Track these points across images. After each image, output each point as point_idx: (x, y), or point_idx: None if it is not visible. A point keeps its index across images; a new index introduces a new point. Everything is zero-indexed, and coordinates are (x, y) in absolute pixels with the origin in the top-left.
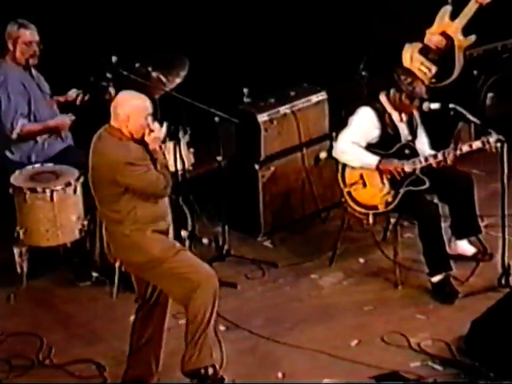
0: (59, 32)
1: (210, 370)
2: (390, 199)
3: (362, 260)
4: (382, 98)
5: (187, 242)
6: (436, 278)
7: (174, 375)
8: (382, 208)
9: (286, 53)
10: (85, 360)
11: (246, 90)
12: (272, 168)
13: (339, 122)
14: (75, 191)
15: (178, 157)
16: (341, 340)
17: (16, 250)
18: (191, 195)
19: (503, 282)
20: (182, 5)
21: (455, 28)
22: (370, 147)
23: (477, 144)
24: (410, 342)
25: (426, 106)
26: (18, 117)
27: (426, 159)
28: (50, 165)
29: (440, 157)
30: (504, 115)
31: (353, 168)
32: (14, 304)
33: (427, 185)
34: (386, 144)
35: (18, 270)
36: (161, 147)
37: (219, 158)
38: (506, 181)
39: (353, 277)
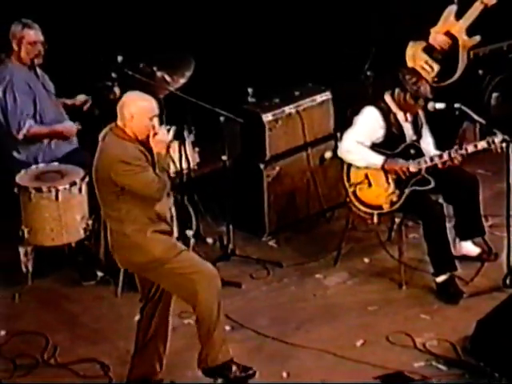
0: (64, 32)
1: (234, 367)
2: (394, 199)
3: (366, 260)
4: (387, 97)
5: (192, 242)
6: (441, 278)
7: (182, 374)
8: (386, 208)
9: (291, 52)
10: (89, 359)
11: (250, 90)
12: (277, 168)
13: (344, 122)
14: (80, 191)
15: (183, 156)
16: (346, 340)
17: (21, 250)
18: (196, 195)
19: (508, 282)
20: (186, 5)
21: (460, 28)
22: (374, 147)
23: (482, 144)
24: (415, 342)
25: (431, 105)
26: (24, 118)
27: (432, 159)
28: (56, 164)
29: (445, 157)
30: (509, 115)
31: (358, 168)
32: (19, 303)
33: (432, 185)
34: (391, 144)
35: (23, 269)
36: (168, 151)
37: (224, 158)
38: (511, 181)
39: (357, 277)
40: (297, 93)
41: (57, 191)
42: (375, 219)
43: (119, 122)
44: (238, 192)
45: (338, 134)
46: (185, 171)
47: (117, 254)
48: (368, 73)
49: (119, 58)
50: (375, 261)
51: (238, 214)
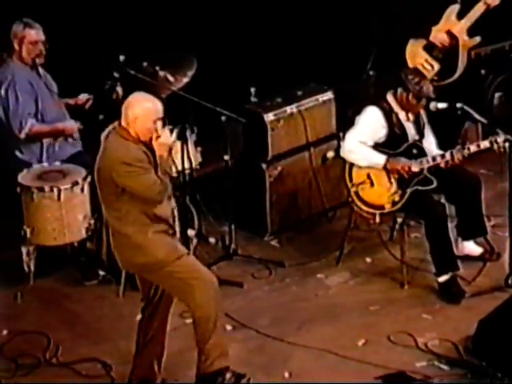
0: (66, 31)
1: (228, 375)
2: (397, 199)
3: (368, 259)
4: (389, 97)
5: (194, 241)
6: (443, 278)
7: (184, 374)
8: (388, 207)
9: (293, 52)
10: (91, 359)
11: (253, 90)
12: (279, 167)
13: (346, 122)
14: (82, 190)
15: (186, 156)
16: (347, 339)
17: (23, 249)
18: (198, 194)
19: (510, 281)
20: (189, 4)
21: (461, 28)
22: (377, 147)
23: (484, 144)
24: (416, 342)
25: (433, 105)
26: (26, 116)
27: (434, 159)
28: (58, 164)
29: (448, 156)
30: None
31: (360, 167)
32: (21, 303)
33: (434, 184)
34: (393, 143)
35: (26, 268)
36: (170, 154)
37: (226, 158)
38: None
39: (359, 276)
40: (299, 92)
41: (59, 191)
42: (377, 219)
43: (123, 122)
44: (240, 192)
45: (341, 134)
46: (187, 171)
47: (118, 255)
48: (370, 72)
49: (121, 58)
50: (377, 260)
51: (240, 214)
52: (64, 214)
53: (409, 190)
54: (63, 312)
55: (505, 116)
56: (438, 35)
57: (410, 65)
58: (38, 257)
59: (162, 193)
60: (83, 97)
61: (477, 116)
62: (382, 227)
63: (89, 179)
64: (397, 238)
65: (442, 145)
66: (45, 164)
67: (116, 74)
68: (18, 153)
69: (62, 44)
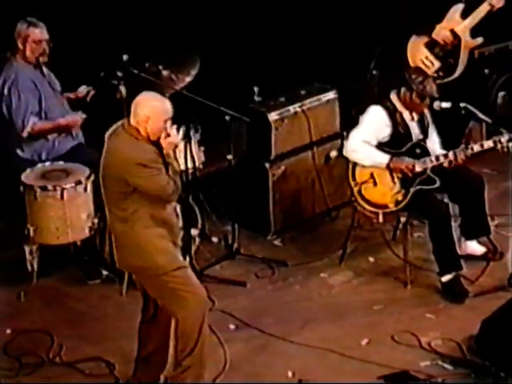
0: (70, 30)
1: None
2: (400, 198)
3: (371, 259)
4: (393, 96)
5: (197, 241)
6: (446, 278)
7: None
8: (392, 207)
9: (297, 51)
10: (95, 358)
11: (256, 89)
12: (282, 167)
13: (350, 121)
14: (85, 189)
15: (189, 155)
16: (351, 339)
17: (26, 248)
18: (201, 193)
19: None
20: (192, 4)
21: (464, 27)
22: (380, 146)
23: (488, 143)
24: (420, 342)
25: (437, 104)
26: (28, 115)
27: (437, 158)
28: (61, 163)
29: (451, 156)
30: None
31: (363, 167)
32: (24, 302)
33: (438, 184)
34: (397, 143)
35: (29, 267)
36: (174, 152)
37: (230, 157)
38: None
39: (363, 276)
40: (303, 92)
41: (62, 190)
42: (380, 218)
43: (133, 122)
44: (243, 191)
45: (344, 133)
46: (190, 170)
47: (117, 253)
48: (374, 72)
49: (125, 57)
50: (380, 260)
51: (244, 213)
52: (67, 212)
53: (412, 190)
54: (66, 311)
55: (508, 115)
56: (441, 32)
57: (411, 62)
58: (41, 256)
59: (175, 193)
60: (83, 89)
61: (480, 115)
62: (386, 226)
63: (92, 178)
64: (400, 237)
65: (445, 144)
66: (48, 163)
67: (119, 74)
68: (19, 151)
69: (65, 43)
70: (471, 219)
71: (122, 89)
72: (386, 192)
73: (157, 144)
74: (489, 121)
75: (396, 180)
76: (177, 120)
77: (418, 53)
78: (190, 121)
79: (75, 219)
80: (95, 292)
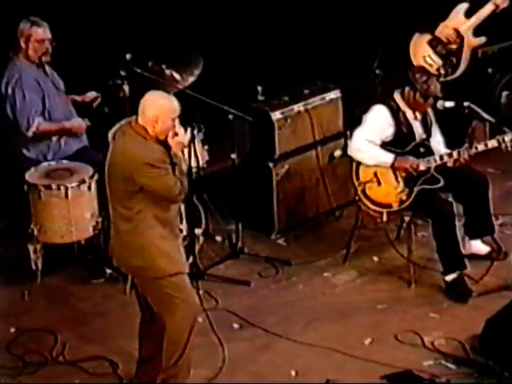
0: (72, 30)
1: None
2: (404, 197)
3: (375, 258)
4: (397, 96)
5: (201, 240)
6: (450, 277)
7: None
8: (396, 206)
9: (300, 51)
10: (98, 357)
11: (259, 88)
12: (286, 166)
13: (353, 120)
14: (90, 188)
15: (193, 154)
16: (354, 338)
17: (30, 247)
18: (205, 193)
19: None
20: (195, 3)
21: (468, 27)
22: (384, 145)
23: (492, 143)
24: (423, 341)
25: (440, 104)
26: (33, 114)
27: (441, 158)
28: (65, 162)
29: (455, 156)
30: None
31: (367, 166)
32: (28, 301)
33: (441, 183)
34: (401, 142)
35: (33, 266)
36: (183, 152)
37: (233, 156)
38: None
39: (366, 275)
40: (306, 91)
41: (66, 189)
42: (384, 218)
43: (140, 121)
44: (247, 190)
45: (348, 133)
46: (194, 169)
47: (116, 252)
48: (377, 71)
49: (128, 56)
50: (384, 259)
51: (247, 213)
52: (71, 212)
53: (416, 189)
54: (70, 310)
55: None
56: (444, 30)
57: (413, 60)
58: (45, 255)
59: (182, 193)
60: (91, 94)
61: (484, 115)
62: (389, 226)
63: (96, 177)
64: (404, 236)
65: (449, 144)
66: (52, 162)
67: (123, 73)
68: (25, 151)
69: (68, 42)
70: (475, 219)
71: (126, 88)
72: (389, 191)
73: (164, 144)
74: (492, 120)
75: (400, 179)
76: (180, 119)
77: (421, 50)
78: (193, 120)
79: (79, 218)
80: (99, 291)
